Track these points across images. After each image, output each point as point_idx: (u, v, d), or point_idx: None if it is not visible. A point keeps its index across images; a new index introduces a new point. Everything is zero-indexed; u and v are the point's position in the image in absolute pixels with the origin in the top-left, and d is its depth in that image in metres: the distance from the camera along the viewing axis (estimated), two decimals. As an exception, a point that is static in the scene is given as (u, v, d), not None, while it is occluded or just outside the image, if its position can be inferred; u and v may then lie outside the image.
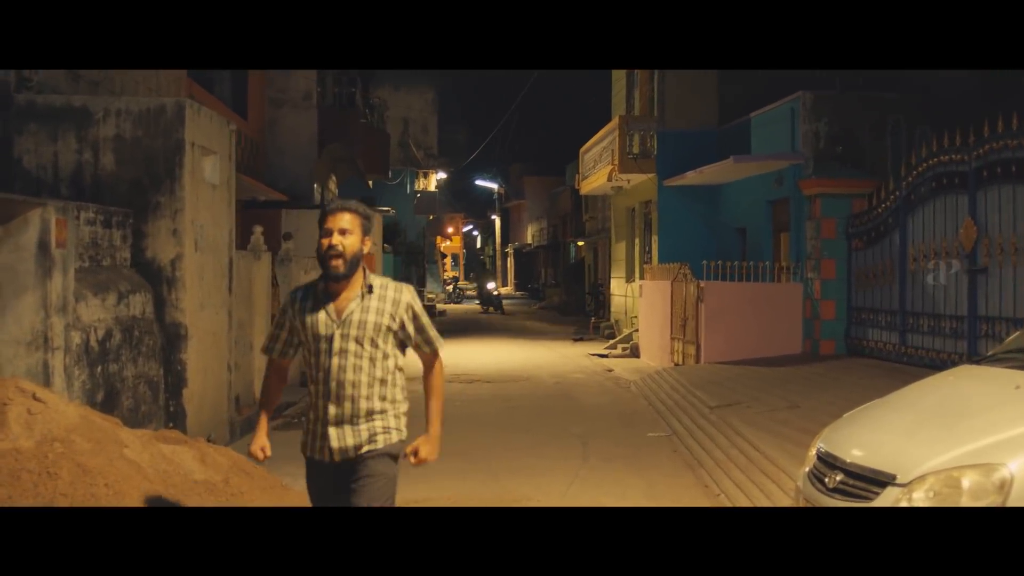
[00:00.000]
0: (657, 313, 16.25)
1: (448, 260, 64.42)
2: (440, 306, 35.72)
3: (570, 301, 34.78)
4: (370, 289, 3.85)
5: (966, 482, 3.84)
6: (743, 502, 6.88)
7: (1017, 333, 5.52)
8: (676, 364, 14.64)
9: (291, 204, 17.95)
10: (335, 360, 3.77)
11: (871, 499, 4.16)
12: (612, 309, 24.01)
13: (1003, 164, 9.96)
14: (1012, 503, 3.73)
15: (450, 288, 45.91)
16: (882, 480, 4.16)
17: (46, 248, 7.38)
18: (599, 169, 20.64)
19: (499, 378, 14.71)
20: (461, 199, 64.67)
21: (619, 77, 22.57)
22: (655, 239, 18.63)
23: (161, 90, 12.00)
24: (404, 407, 3.89)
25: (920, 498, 3.98)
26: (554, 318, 31.61)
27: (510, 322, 30.48)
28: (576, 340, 22.03)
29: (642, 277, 18.98)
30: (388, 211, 23.95)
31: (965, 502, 3.83)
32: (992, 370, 4.93)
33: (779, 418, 8.74)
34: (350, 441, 3.75)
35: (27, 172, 8.94)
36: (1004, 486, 3.77)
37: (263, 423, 4.00)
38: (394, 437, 3.80)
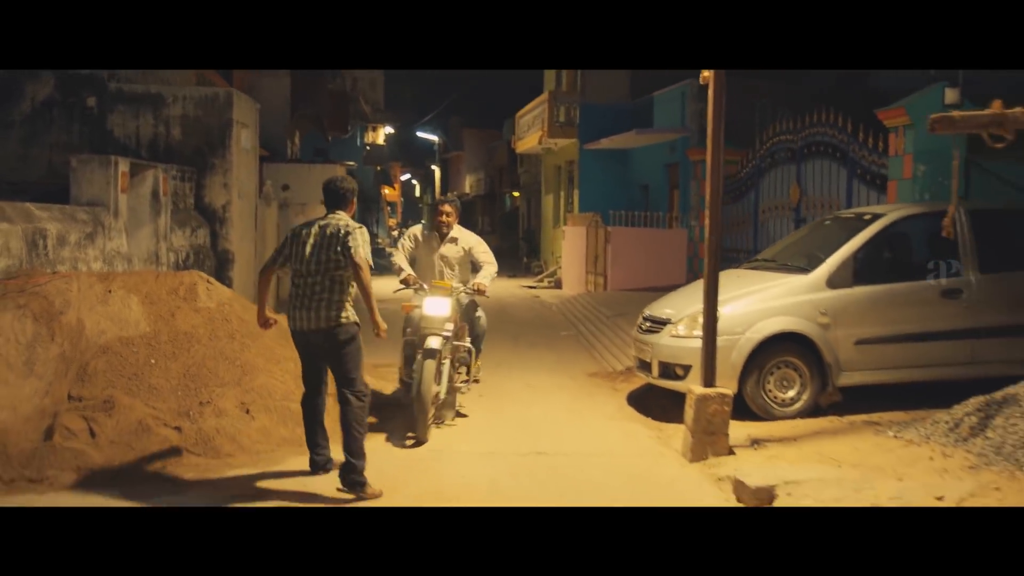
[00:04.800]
0: (575, 253, 20.21)
1: (387, 209, 67.44)
2: (388, 249, 39.18)
3: (505, 246, 38.26)
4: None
5: (700, 319, 7.79)
6: (617, 366, 10.83)
7: (764, 251, 9.56)
8: (588, 291, 18.66)
9: (270, 159, 21.43)
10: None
11: (659, 331, 8.19)
12: (541, 251, 27.96)
13: (817, 144, 13.93)
14: (721, 328, 7.66)
15: (395, 234, 49.33)
16: (664, 320, 8.19)
17: (157, 196, 11.01)
18: (532, 133, 24.50)
19: (449, 302, 18.58)
20: (403, 150, 67.62)
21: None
22: (576, 193, 22.61)
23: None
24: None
25: (682, 329, 7.98)
26: (491, 261, 35.36)
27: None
28: (510, 276, 25.92)
29: (565, 224, 22.91)
30: (352, 165, 27.47)
31: (700, 332, 7.74)
32: (739, 270, 8.97)
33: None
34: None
35: (116, 140, 12.48)
36: (719, 318, 7.73)
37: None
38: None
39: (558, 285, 21.96)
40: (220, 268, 12.73)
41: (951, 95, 10.51)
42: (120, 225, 10.00)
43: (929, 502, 5.46)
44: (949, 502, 5.43)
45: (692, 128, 17.86)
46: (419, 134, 62.61)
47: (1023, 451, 6.01)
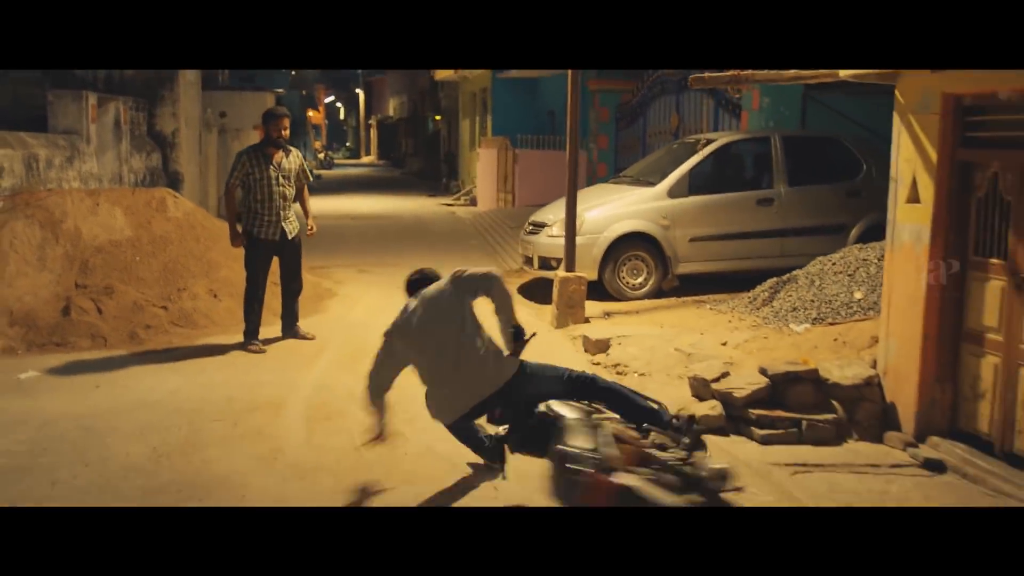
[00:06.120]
0: (488, 173, 22.29)
1: (312, 132, 68.39)
2: (316, 171, 40.79)
3: (427, 168, 39.82)
4: (287, 152, 8.19)
5: (569, 222, 9.97)
6: (513, 265, 13.02)
7: (628, 169, 11.79)
8: (499, 207, 20.81)
9: (203, 86, 22.97)
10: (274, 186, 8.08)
11: (539, 233, 10.41)
12: (460, 172, 29.98)
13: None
14: (585, 229, 9.87)
15: (321, 156, 50.77)
16: (543, 224, 10.41)
17: (119, 125, 12.81)
18: (449, 62, 26.30)
19: (374, 217, 20.65)
20: (327, 73, 68.40)
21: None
22: (490, 118, 24.61)
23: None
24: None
25: (555, 231, 10.19)
26: (414, 182, 37.09)
27: (379, 182, 36.02)
28: (430, 196, 27.93)
29: (480, 147, 24.92)
30: (280, 92, 29.05)
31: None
32: (606, 184, 11.21)
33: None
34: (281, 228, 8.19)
35: (75, 75, 14.12)
36: (583, 222, 9.91)
37: (233, 225, 8.23)
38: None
39: (473, 203, 24.02)
40: (172, 187, 14.54)
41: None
42: (91, 150, 11.82)
43: (717, 347, 7.76)
44: (730, 346, 7.75)
45: (591, 60, 19.89)
46: (343, 57, 63.54)
47: (792, 314, 8.37)
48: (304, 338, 8.50)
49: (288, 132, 8.23)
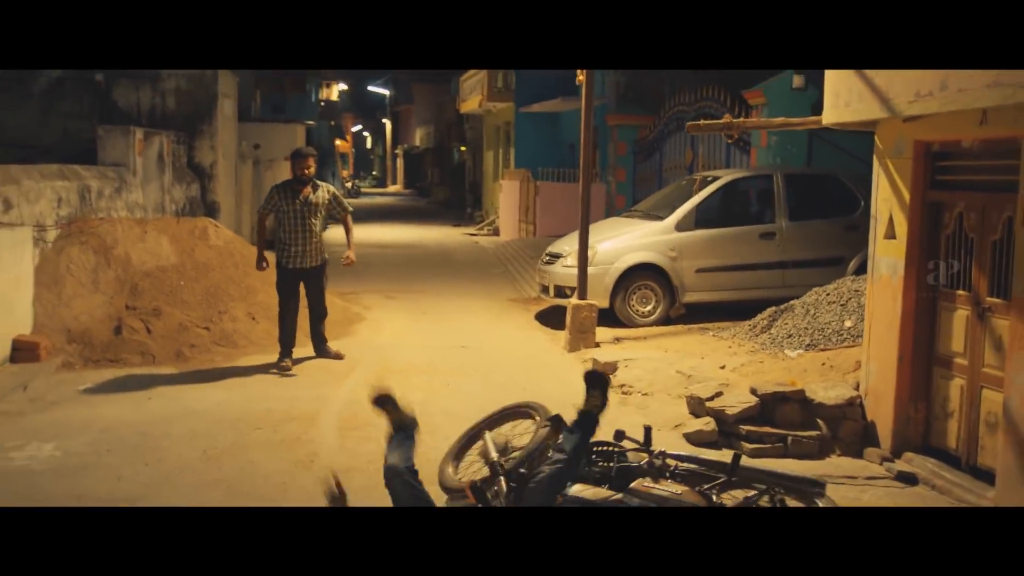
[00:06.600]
0: (510, 204, 23.03)
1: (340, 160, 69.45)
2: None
3: (452, 197, 40.46)
4: (315, 187, 9.01)
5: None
6: (531, 294, 13.70)
7: (639, 204, 12.47)
8: (521, 237, 21.53)
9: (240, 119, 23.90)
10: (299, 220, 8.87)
11: (555, 263, 11.10)
12: (484, 202, 30.77)
13: (705, 115, 16.78)
14: (598, 260, 10.56)
15: (349, 185, 51.70)
16: (559, 255, 11.11)
17: (162, 157, 13.62)
18: (473, 96, 27.22)
19: (400, 245, 21.43)
20: (355, 103, 69.59)
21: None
22: (512, 151, 25.42)
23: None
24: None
25: (570, 261, 10.86)
26: (439, 212, 37.86)
27: (405, 211, 36.84)
28: (455, 225, 28.69)
29: (503, 179, 25.70)
30: (311, 124, 29.98)
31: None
32: (619, 218, 11.90)
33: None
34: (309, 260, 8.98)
35: (121, 109, 15.00)
36: (596, 253, 10.58)
37: (261, 250, 9.01)
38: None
39: (496, 232, 24.76)
40: (209, 215, 15.34)
41: (797, 80, 13.39)
42: (137, 181, 12.62)
43: (715, 370, 8.39)
44: (727, 369, 8.38)
45: (610, 96, 20.67)
46: (370, 88, 64.87)
47: (787, 341, 8.99)
48: (334, 357, 9.20)
49: (313, 170, 9.00)
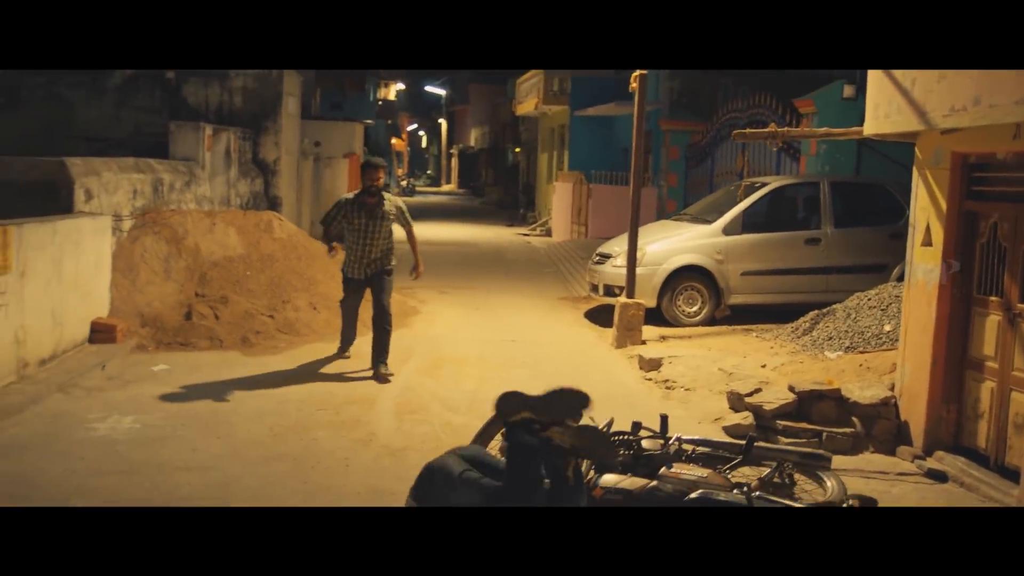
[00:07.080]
0: (563, 205, 23.41)
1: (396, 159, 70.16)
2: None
3: (506, 198, 40.72)
4: (382, 199, 8.67)
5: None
6: (581, 292, 14.06)
7: (688, 208, 12.78)
8: (572, 238, 21.89)
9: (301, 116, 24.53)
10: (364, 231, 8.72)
11: (604, 263, 11.46)
12: (536, 203, 31.17)
13: (756, 122, 17.02)
14: (647, 261, 10.90)
15: (404, 183, 52.38)
16: (609, 255, 11.47)
17: (229, 153, 14.16)
18: (529, 99, 27.64)
19: (455, 243, 21.90)
20: (411, 102, 70.31)
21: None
22: (567, 153, 25.80)
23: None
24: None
25: (619, 261, 11.21)
26: (492, 212, 38.24)
27: (459, 211, 37.36)
28: (508, 225, 29.12)
29: (556, 180, 26.07)
30: (369, 123, 30.59)
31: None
32: (669, 221, 12.22)
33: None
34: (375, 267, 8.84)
35: (190, 106, 15.56)
36: (644, 254, 10.93)
37: (329, 241, 8.76)
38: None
39: (548, 233, 25.15)
40: (272, 209, 15.91)
41: (848, 90, 13.60)
42: (206, 175, 13.19)
43: (756, 368, 8.69)
44: (768, 368, 8.68)
45: (664, 102, 20.95)
46: (427, 88, 65.58)
47: (828, 343, 9.26)
48: (382, 380, 8.50)
49: (382, 181, 8.93)
